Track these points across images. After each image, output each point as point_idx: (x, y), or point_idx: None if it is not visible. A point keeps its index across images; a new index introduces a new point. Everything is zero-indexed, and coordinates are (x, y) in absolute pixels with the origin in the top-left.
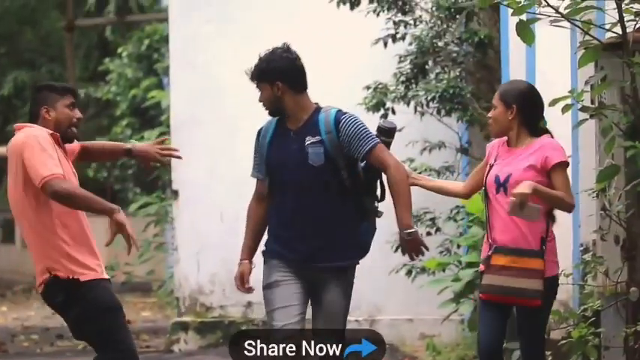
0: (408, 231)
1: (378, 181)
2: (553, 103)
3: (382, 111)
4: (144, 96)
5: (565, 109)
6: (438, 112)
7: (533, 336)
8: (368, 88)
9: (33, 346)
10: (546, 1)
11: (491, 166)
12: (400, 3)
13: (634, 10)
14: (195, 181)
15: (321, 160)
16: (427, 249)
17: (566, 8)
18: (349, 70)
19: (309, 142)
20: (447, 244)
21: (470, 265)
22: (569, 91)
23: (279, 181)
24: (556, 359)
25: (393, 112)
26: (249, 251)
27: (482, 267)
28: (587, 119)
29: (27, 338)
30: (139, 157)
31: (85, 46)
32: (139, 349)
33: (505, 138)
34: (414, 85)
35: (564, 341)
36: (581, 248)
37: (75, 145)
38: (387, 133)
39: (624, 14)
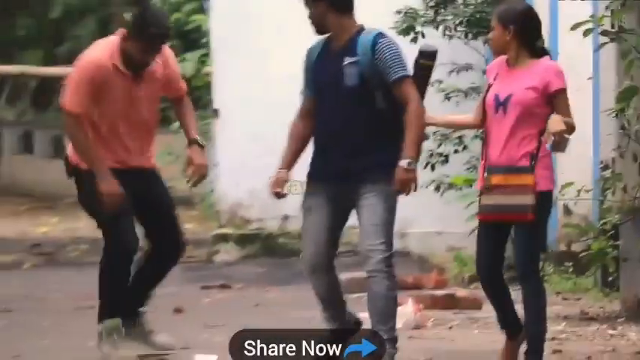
0: (409, 161)
1: None
2: (575, 27)
3: (412, 35)
4: (185, 20)
5: (586, 32)
6: (465, 36)
7: (529, 251)
8: (399, 12)
9: (82, 255)
10: None
11: (490, 86)
12: None
13: None
14: (234, 101)
15: (355, 80)
16: (416, 189)
17: None
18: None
19: (347, 62)
20: (473, 161)
21: None
22: (591, 16)
23: (320, 99)
24: (577, 270)
25: (423, 35)
26: (287, 161)
27: (478, 186)
28: (607, 42)
29: (76, 248)
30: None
31: None
32: (182, 261)
33: (505, 58)
34: (442, 10)
35: (585, 253)
36: (601, 165)
37: (176, 79)
38: (428, 56)
39: None
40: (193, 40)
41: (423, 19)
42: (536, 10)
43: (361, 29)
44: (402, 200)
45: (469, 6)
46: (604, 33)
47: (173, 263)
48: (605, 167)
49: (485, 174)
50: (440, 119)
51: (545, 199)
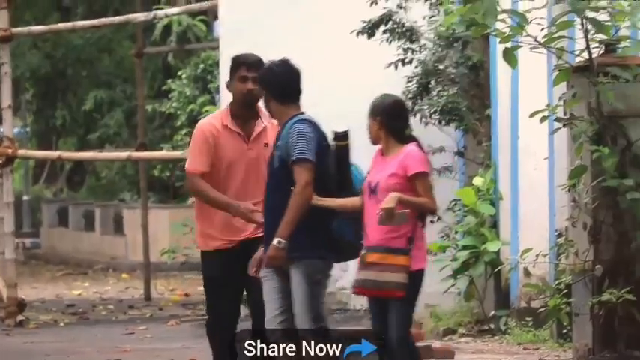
0: (279, 239)
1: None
2: (533, 115)
3: None
4: (199, 110)
5: (542, 119)
6: (440, 123)
7: (400, 326)
8: None
9: (109, 314)
10: (527, 32)
11: (368, 173)
12: (408, 33)
13: (598, 39)
14: None
15: (277, 163)
16: (286, 265)
17: (543, 37)
18: (367, 88)
19: (276, 145)
20: (446, 230)
21: (465, 247)
22: (546, 105)
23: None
24: (535, 324)
25: None
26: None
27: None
28: (560, 128)
29: (104, 308)
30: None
31: (151, 69)
32: (196, 317)
33: (380, 146)
34: (419, 101)
35: (542, 309)
36: (556, 233)
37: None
38: (340, 138)
39: (590, 42)
40: None
41: None
42: (402, 102)
43: (295, 116)
44: None
45: (442, 97)
46: (558, 120)
47: None
48: (560, 235)
49: (364, 251)
50: (333, 203)
51: (416, 278)
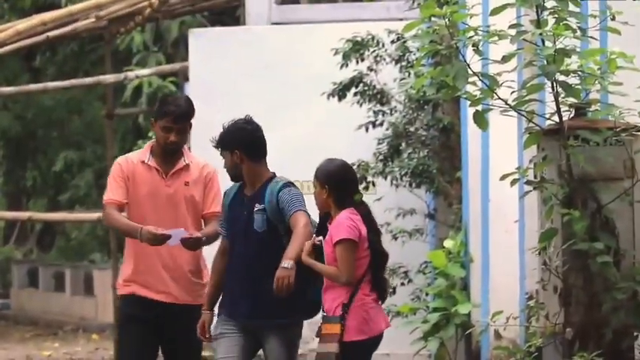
0: (289, 262)
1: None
2: (503, 177)
3: (364, 184)
4: None
5: (513, 182)
6: (410, 185)
7: None
8: (352, 164)
9: None
10: (497, 95)
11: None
12: (379, 96)
13: (568, 103)
14: None
15: (263, 226)
16: (290, 290)
17: (513, 100)
18: (337, 149)
19: (256, 208)
20: (417, 293)
21: (435, 309)
22: (517, 168)
23: (231, 241)
24: None
25: (373, 184)
26: (210, 302)
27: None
28: (530, 191)
29: None
30: None
31: (122, 130)
32: None
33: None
34: (390, 163)
35: None
36: (527, 296)
37: (210, 179)
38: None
39: (561, 106)
40: None
41: (373, 170)
42: (348, 167)
43: (272, 177)
44: None
45: (412, 159)
46: (528, 182)
47: None
48: (530, 297)
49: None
50: (316, 263)
51: (350, 349)
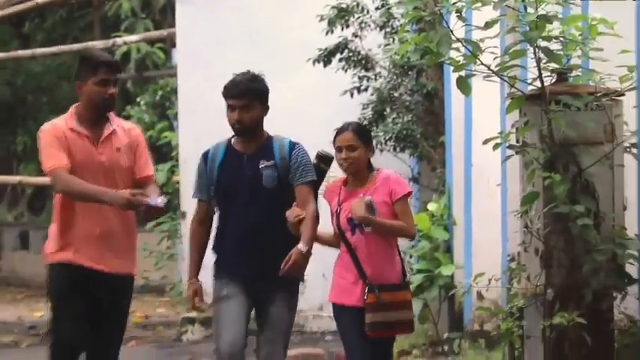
0: (307, 247)
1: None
2: (486, 142)
3: None
4: (158, 136)
5: (495, 146)
6: (394, 149)
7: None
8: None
9: None
10: (480, 61)
11: (337, 212)
12: (364, 61)
13: (550, 68)
14: None
15: (274, 182)
16: (302, 278)
17: (496, 66)
18: (323, 115)
19: (264, 165)
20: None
21: (419, 271)
22: (499, 133)
23: (232, 202)
24: (488, 346)
25: None
26: (196, 270)
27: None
28: (512, 155)
29: None
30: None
31: None
32: (155, 338)
33: (340, 181)
34: (375, 128)
35: (495, 332)
36: (509, 258)
37: (138, 142)
38: (326, 162)
39: (542, 71)
40: (164, 153)
41: None
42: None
43: (270, 135)
44: None
45: (397, 124)
46: (510, 147)
47: None
48: (512, 259)
49: (370, 292)
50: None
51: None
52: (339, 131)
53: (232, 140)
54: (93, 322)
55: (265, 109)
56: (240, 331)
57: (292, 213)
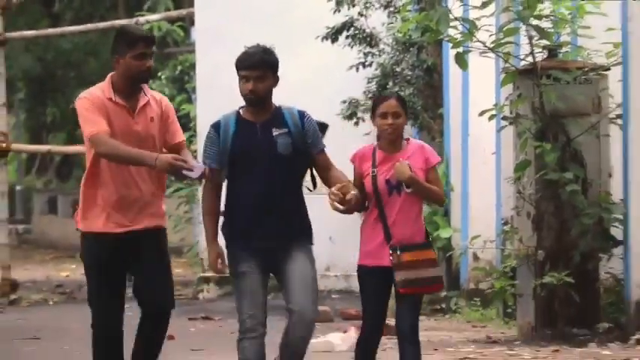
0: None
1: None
2: (482, 113)
3: (354, 119)
4: (177, 108)
5: (490, 117)
6: None
7: (417, 315)
8: (344, 102)
9: None
10: (477, 38)
11: (373, 174)
12: (368, 39)
13: (541, 45)
14: None
15: (289, 149)
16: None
17: (491, 43)
18: (331, 88)
19: (277, 132)
20: None
21: None
22: (494, 105)
23: (247, 170)
24: (483, 304)
25: (363, 120)
26: (215, 234)
27: (384, 263)
28: (506, 125)
29: None
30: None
31: None
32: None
33: (370, 147)
34: None
35: (489, 290)
36: (502, 221)
37: (169, 112)
38: (323, 129)
39: (534, 48)
40: (183, 124)
41: (363, 107)
42: None
43: (277, 105)
44: (347, 248)
45: None
46: (504, 118)
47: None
48: (506, 223)
49: (396, 251)
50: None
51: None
52: (384, 99)
53: (241, 111)
54: (140, 280)
55: (276, 79)
56: (262, 305)
57: (339, 190)
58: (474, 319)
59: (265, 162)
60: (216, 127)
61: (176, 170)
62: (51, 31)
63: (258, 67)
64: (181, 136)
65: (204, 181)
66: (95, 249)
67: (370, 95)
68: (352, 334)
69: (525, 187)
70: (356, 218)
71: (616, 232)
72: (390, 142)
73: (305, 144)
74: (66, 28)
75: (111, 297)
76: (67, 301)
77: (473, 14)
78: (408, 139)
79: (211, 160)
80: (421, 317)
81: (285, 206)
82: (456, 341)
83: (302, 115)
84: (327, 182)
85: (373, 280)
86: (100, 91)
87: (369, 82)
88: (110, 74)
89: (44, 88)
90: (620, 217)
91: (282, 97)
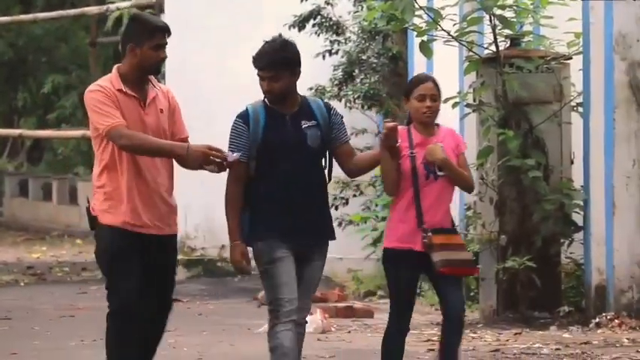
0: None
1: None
2: (446, 101)
3: None
4: None
5: (454, 105)
6: (362, 107)
7: (463, 299)
8: (311, 89)
9: (64, 275)
10: (441, 27)
11: (412, 155)
12: (335, 27)
13: (504, 34)
14: None
15: (318, 141)
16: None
17: (455, 32)
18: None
19: (306, 125)
20: (367, 203)
21: (384, 218)
22: (458, 93)
23: (277, 162)
24: None
25: None
26: (239, 232)
27: (417, 247)
28: (470, 113)
29: (60, 270)
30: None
31: (103, 56)
32: None
33: (404, 129)
34: (344, 87)
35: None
36: (465, 207)
37: (175, 105)
38: None
39: (497, 37)
40: None
41: (329, 94)
42: None
43: (303, 96)
44: None
45: (365, 84)
46: (468, 105)
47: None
48: (469, 208)
49: (428, 233)
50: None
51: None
52: (421, 81)
53: (268, 102)
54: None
55: (296, 74)
56: (295, 288)
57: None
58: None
59: (295, 154)
60: (244, 117)
61: (209, 161)
62: (23, 17)
63: (270, 67)
64: (186, 132)
65: (228, 173)
66: (119, 241)
67: (336, 82)
68: (317, 317)
69: (488, 174)
70: None
71: (577, 217)
72: (426, 125)
73: (330, 136)
74: (38, 14)
75: (136, 283)
76: (38, 283)
77: (437, 3)
78: (437, 124)
79: (240, 152)
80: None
81: (313, 199)
82: (420, 324)
83: (328, 107)
84: (353, 166)
85: (403, 263)
86: (109, 82)
87: (335, 70)
88: (116, 66)
89: (16, 73)
90: (581, 202)
91: (252, 82)
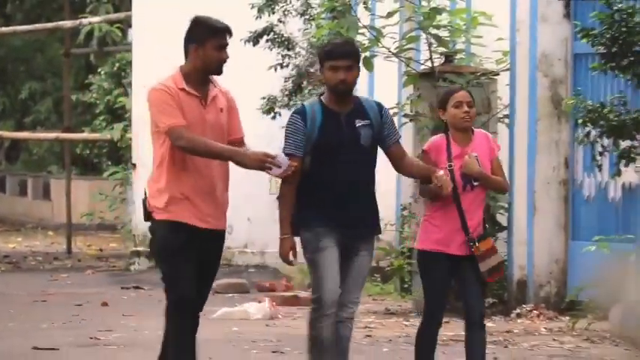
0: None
1: None
2: None
3: (272, 114)
4: (115, 101)
5: (393, 115)
6: None
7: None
8: (263, 98)
9: (38, 264)
10: (382, 44)
11: (449, 168)
12: (286, 42)
13: (439, 51)
14: (146, 158)
15: (369, 141)
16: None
17: (395, 49)
18: (251, 85)
19: (360, 123)
20: None
21: None
22: (396, 104)
23: (330, 159)
24: (383, 279)
25: (280, 114)
26: (289, 226)
27: (462, 252)
28: (407, 122)
29: (34, 259)
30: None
31: (76, 66)
32: (108, 268)
33: (442, 138)
34: (294, 97)
35: (388, 268)
36: (401, 207)
37: (234, 104)
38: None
39: (433, 54)
40: (120, 115)
41: (280, 103)
42: None
43: (355, 95)
44: (262, 227)
45: (312, 94)
46: (406, 115)
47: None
48: (404, 208)
49: (473, 244)
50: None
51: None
52: (455, 90)
53: (324, 100)
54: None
55: (359, 70)
56: (338, 279)
57: (442, 179)
58: (374, 293)
59: (349, 153)
60: (302, 114)
61: (265, 167)
62: (4, 29)
63: (350, 56)
64: (242, 132)
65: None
66: (177, 236)
67: (287, 93)
68: (266, 305)
69: None
70: (269, 201)
71: (501, 218)
72: (465, 130)
73: (381, 135)
74: (17, 27)
75: (193, 277)
76: (13, 270)
77: (379, 23)
78: (472, 130)
79: (297, 148)
80: None
81: (361, 194)
82: (359, 312)
83: (380, 106)
84: (403, 169)
85: (440, 266)
86: (172, 82)
87: (285, 81)
88: (179, 66)
89: None
90: (505, 205)
91: None
